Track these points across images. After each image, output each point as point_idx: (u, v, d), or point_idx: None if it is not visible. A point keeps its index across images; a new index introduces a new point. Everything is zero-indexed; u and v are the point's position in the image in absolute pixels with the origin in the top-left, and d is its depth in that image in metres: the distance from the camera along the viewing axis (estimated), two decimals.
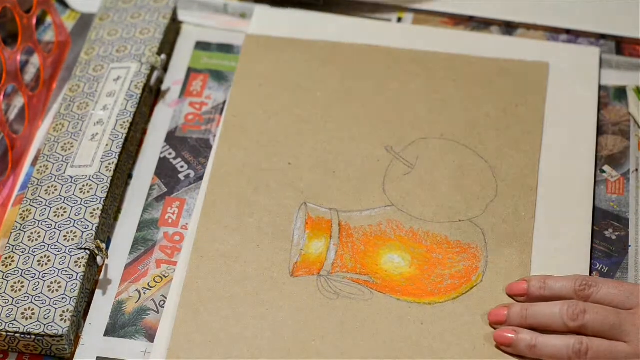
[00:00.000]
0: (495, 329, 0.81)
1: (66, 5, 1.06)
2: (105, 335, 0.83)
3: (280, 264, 0.86)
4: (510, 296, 0.83)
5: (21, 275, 0.83)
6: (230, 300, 0.83)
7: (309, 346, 0.81)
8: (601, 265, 0.86)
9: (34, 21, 0.98)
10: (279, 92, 0.97)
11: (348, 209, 0.89)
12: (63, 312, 0.80)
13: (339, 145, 0.93)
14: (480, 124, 0.94)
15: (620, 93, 0.98)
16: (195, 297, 0.84)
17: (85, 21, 1.05)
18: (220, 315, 0.83)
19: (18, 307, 0.81)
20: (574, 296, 0.80)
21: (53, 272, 0.83)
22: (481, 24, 1.04)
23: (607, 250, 0.87)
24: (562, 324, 0.79)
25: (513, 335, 0.79)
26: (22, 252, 0.84)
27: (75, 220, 0.85)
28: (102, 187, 0.87)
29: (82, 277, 0.82)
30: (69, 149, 0.90)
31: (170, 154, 0.94)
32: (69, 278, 0.82)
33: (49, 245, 0.84)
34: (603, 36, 1.02)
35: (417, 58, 0.99)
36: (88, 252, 0.84)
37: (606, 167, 0.93)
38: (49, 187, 0.88)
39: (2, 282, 0.82)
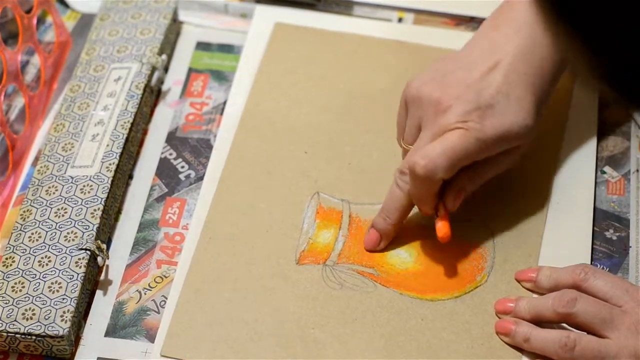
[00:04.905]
0: (499, 317, 0.82)
1: (66, 5, 1.06)
2: (105, 335, 0.83)
3: (287, 250, 0.86)
4: (519, 281, 0.84)
5: (22, 276, 0.83)
6: (234, 282, 0.84)
7: (308, 333, 0.81)
8: (602, 266, 0.86)
9: (35, 21, 0.98)
10: (303, 81, 0.98)
11: (360, 202, 0.89)
12: (64, 312, 0.80)
13: (356, 138, 0.93)
14: None
15: None
16: (200, 278, 0.84)
17: (85, 21, 1.05)
18: (223, 297, 0.83)
19: (19, 308, 0.81)
20: (572, 282, 0.80)
21: (54, 272, 0.83)
22: None
23: (607, 251, 0.87)
24: (552, 311, 0.79)
25: (513, 327, 0.80)
26: (23, 252, 0.84)
27: (75, 221, 0.85)
28: (103, 188, 0.87)
29: (82, 278, 0.82)
30: (70, 149, 0.90)
31: (170, 154, 0.94)
32: (70, 278, 0.82)
33: (49, 245, 0.84)
34: None
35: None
36: (89, 252, 0.84)
37: (607, 168, 0.93)
38: (49, 187, 0.88)
39: (3, 283, 0.82)
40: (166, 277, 0.86)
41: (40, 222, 0.86)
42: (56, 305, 0.81)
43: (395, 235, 0.86)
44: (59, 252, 0.84)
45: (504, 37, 0.84)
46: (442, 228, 0.83)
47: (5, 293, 0.82)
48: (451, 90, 0.82)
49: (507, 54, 0.83)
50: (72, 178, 0.88)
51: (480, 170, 0.85)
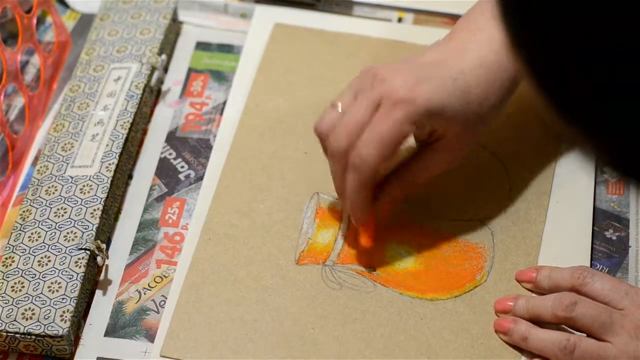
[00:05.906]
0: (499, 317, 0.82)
1: (66, 5, 1.06)
2: (105, 335, 0.83)
3: (287, 251, 0.86)
4: (519, 281, 0.84)
5: (21, 276, 0.83)
6: (233, 283, 0.84)
7: (307, 334, 0.81)
8: (601, 266, 0.86)
9: (34, 21, 0.98)
10: (303, 82, 0.98)
11: None
12: (63, 312, 0.80)
13: None
14: (498, 123, 0.93)
15: None
16: (199, 278, 0.84)
17: (85, 21, 1.05)
18: (223, 297, 0.83)
19: (18, 308, 0.81)
20: (571, 286, 0.80)
21: (53, 272, 0.83)
22: None
23: (607, 251, 0.87)
24: (551, 314, 0.79)
25: (511, 325, 0.80)
26: (23, 252, 0.84)
27: (75, 221, 0.85)
28: (103, 188, 0.87)
29: (82, 278, 0.82)
30: (69, 149, 0.90)
31: (170, 154, 0.94)
32: (69, 278, 0.82)
33: (49, 245, 0.84)
34: None
35: None
36: (88, 252, 0.84)
37: (607, 168, 0.92)
38: (49, 187, 0.88)
39: (3, 283, 0.82)
40: (166, 277, 0.86)
41: (39, 222, 0.86)
42: (56, 305, 0.81)
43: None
44: (59, 252, 0.84)
45: (474, 43, 0.82)
46: (366, 236, 0.85)
47: (4, 293, 0.82)
48: (396, 66, 0.82)
49: (471, 57, 0.82)
50: (71, 178, 0.88)
51: (409, 174, 0.84)
